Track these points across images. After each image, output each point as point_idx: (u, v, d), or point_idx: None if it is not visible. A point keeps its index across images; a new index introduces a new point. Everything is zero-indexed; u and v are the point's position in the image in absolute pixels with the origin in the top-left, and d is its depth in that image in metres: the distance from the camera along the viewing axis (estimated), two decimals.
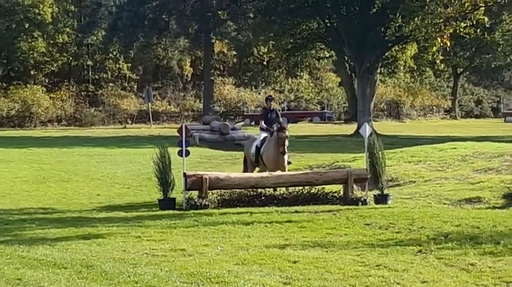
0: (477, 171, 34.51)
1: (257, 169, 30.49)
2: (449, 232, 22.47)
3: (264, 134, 29.63)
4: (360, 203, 28.89)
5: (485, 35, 67.02)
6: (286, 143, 24.88)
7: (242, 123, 66.60)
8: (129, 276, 17.84)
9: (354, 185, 29.15)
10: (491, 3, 40.44)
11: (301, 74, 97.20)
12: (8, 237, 23.26)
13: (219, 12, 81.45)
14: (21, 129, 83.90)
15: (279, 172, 34.23)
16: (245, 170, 30.11)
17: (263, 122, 30.17)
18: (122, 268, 18.59)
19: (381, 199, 28.56)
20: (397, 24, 43.81)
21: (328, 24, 74.99)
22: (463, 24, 39.35)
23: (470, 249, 20.30)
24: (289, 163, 28.76)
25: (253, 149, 29.56)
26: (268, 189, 30.82)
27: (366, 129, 30.70)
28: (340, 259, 19.29)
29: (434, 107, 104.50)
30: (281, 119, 28.06)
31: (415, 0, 36.10)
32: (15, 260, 19.77)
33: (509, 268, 18.12)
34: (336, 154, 40.63)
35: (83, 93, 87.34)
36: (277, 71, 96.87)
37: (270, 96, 29.88)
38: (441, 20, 36.21)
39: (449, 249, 20.31)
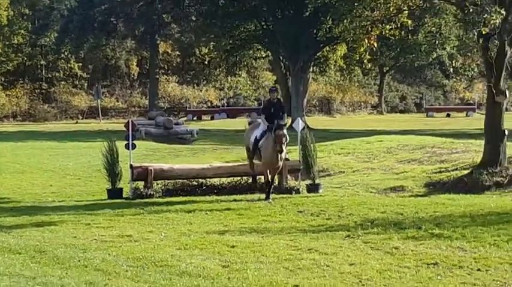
0: (401, 162, 34.72)
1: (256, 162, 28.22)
2: (375, 218, 22.63)
3: (262, 127, 27.64)
4: (294, 192, 29.00)
5: (409, 37, 67.27)
6: (284, 141, 23.26)
7: (185, 118, 66.47)
8: (79, 260, 17.86)
9: (288, 176, 29.21)
10: (414, 8, 40.56)
11: (240, 72, 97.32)
12: None
13: (164, 16, 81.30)
14: None
15: (219, 163, 34.95)
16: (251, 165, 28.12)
17: (264, 117, 27.74)
18: (73, 253, 18.61)
19: (313, 188, 28.67)
20: (328, 27, 43.68)
21: (265, 27, 75.08)
22: (388, 27, 39.42)
23: (394, 234, 20.53)
24: (287, 159, 26.68)
25: (252, 138, 27.77)
26: (209, 179, 30.84)
27: (299, 124, 30.75)
28: (275, 244, 19.41)
29: (362, 103, 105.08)
30: (285, 112, 26.16)
31: (344, 4, 36.10)
32: None
33: (430, 251, 18.30)
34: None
35: (36, 91, 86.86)
36: (218, 70, 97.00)
37: (274, 87, 26.79)
38: (368, 23, 36.32)
39: (375, 234, 20.52)
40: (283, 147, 22.72)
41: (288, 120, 24.58)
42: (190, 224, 22.65)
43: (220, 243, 19.70)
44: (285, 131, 22.46)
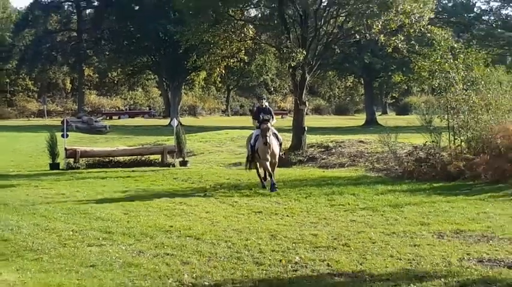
0: (240, 147, 34.60)
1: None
2: (223, 183, 22.72)
3: (256, 132, 23.40)
4: (171, 166, 28.64)
5: (245, 67, 67.55)
6: (268, 133, 19.73)
7: (101, 118, 65.76)
8: (29, 210, 17.69)
9: (167, 155, 28.99)
10: (249, 48, 40.77)
11: (137, 88, 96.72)
12: None
13: (88, 51, 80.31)
14: None
15: (123, 147, 33.83)
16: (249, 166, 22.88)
17: (256, 121, 23.41)
18: (26, 206, 18.41)
19: (183, 163, 28.48)
20: (194, 60, 43.32)
21: (153, 59, 74.56)
22: (232, 60, 39.38)
23: (234, 193, 20.61)
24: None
25: (248, 146, 23.48)
26: (116, 157, 30.24)
27: (175, 122, 30.73)
28: (158, 199, 19.37)
29: (216, 109, 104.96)
30: (273, 116, 21.60)
31: (204, 46, 35.76)
32: None
33: (257, 204, 18.43)
34: (157, 137, 40.35)
35: (3, 99, 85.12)
36: (123, 86, 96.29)
37: (261, 95, 24.09)
38: (219, 58, 36.23)
39: (222, 193, 20.64)
40: (268, 139, 19.36)
41: (275, 121, 21.08)
42: (104, 186, 22.53)
43: (123, 199, 19.68)
44: (269, 125, 19.65)
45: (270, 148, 20.80)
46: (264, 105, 21.00)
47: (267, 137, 18.97)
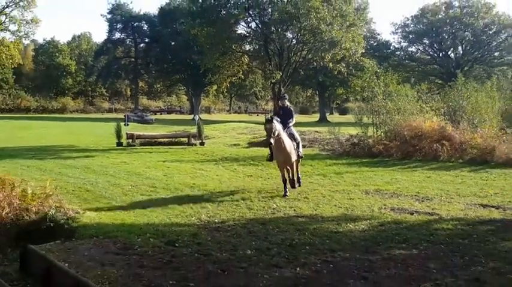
0: (239, 133, 34.50)
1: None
2: (227, 156, 22.49)
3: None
4: (194, 145, 27.47)
5: (242, 82, 67.17)
6: (273, 134, 13.40)
7: (149, 113, 65.12)
8: (103, 171, 17.60)
9: (192, 138, 28.69)
10: (244, 70, 40.70)
11: (172, 95, 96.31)
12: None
13: (141, 71, 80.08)
14: None
15: (163, 132, 33.00)
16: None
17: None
18: (101, 168, 18.36)
19: (201, 143, 27.88)
20: (209, 77, 43.60)
21: (183, 76, 73.69)
22: (233, 78, 39.50)
23: (234, 163, 20.33)
24: (300, 157, 15.20)
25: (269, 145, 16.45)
26: (159, 139, 29.90)
27: (196, 117, 30.67)
28: (185, 166, 19.26)
29: (223, 109, 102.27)
30: (293, 116, 15.28)
31: (215, 68, 35.74)
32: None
33: (249, 171, 18.36)
34: (185, 126, 40.02)
35: (87, 100, 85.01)
36: (163, 93, 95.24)
37: (283, 95, 17.55)
38: (225, 76, 36.33)
39: (226, 163, 20.37)
40: (272, 139, 13.26)
41: (294, 121, 15.06)
42: (150, 157, 22.33)
43: (163, 165, 19.57)
44: (273, 125, 13.26)
45: (281, 150, 13.92)
46: (285, 105, 15.18)
47: (271, 138, 13.44)
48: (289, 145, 14.02)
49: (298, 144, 14.76)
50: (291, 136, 14.50)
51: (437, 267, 7.58)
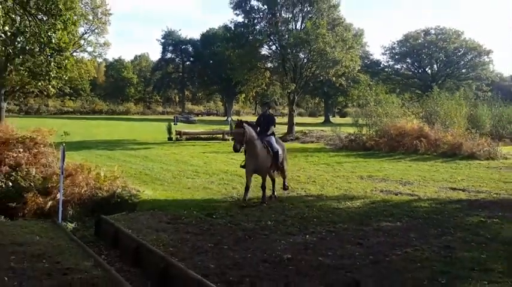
0: None
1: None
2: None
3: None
4: (227, 140, 26.78)
5: (265, 92, 66.73)
6: (242, 138, 9.91)
7: (193, 115, 64.86)
8: (158, 160, 17.66)
9: (226, 135, 28.39)
10: (267, 83, 40.49)
11: (210, 101, 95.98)
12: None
13: (187, 83, 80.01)
14: None
15: (204, 129, 32.37)
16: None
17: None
18: (156, 157, 18.38)
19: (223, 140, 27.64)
20: (239, 88, 43.49)
21: (219, 87, 73.08)
22: (258, 89, 39.61)
23: None
24: (280, 168, 11.06)
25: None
26: (200, 135, 29.33)
27: (229, 119, 30.62)
28: (220, 156, 19.03)
29: (249, 112, 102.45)
30: (273, 125, 10.90)
31: (244, 81, 35.81)
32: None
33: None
34: (219, 125, 39.82)
35: (145, 105, 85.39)
36: (204, 100, 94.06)
37: (265, 102, 13.87)
38: (251, 87, 36.22)
39: None
40: (238, 146, 9.79)
41: (272, 130, 10.68)
42: (194, 149, 22.36)
43: (203, 155, 19.57)
44: (242, 129, 9.80)
45: (252, 156, 10.07)
46: (267, 113, 10.93)
47: (237, 145, 9.76)
48: (262, 152, 10.00)
49: (276, 153, 10.34)
50: (269, 145, 10.26)
51: (416, 236, 7.51)
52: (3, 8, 13.50)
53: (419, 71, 68.27)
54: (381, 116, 23.81)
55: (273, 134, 10.66)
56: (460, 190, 11.71)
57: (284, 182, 11.29)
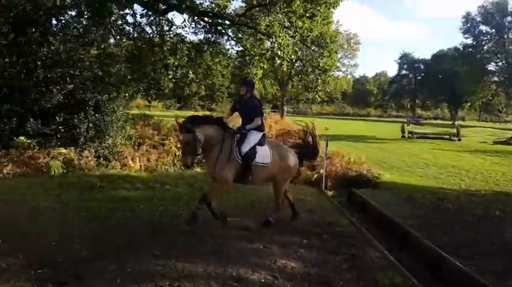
0: (487, 135, 29.11)
1: None
2: (478, 149, 18.94)
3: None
4: (453, 141, 23.29)
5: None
6: (186, 152, 4.33)
7: (422, 119, 57.03)
8: (396, 152, 16.59)
9: (452, 136, 24.69)
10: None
11: None
12: None
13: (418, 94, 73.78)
14: None
15: (431, 130, 26.96)
16: None
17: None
18: (393, 149, 17.16)
19: (459, 140, 23.90)
20: (466, 98, 38.16)
21: None
22: (484, 99, 33.76)
23: (484, 154, 17.06)
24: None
25: None
26: (430, 135, 26.65)
27: (456, 123, 26.90)
28: (447, 153, 16.74)
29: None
30: (256, 115, 4.89)
31: (475, 91, 31.23)
32: None
33: (500, 161, 15.40)
34: (446, 128, 35.31)
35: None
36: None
37: (244, 79, 4.95)
38: (478, 98, 31.35)
39: (478, 153, 17.11)
40: (188, 159, 4.35)
41: (254, 125, 4.86)
42: (423, 146, 19.96)
43: (432, 151, 17.35)
44: (190, 135, 4.31)
45: (207, 162, 4.96)
46: (247, 96, 5.02)
47: (187, 159, 4.58)
48: (221, 160, 4.91)
49: (245, 158, 5.01)
50: (227, 152, 4.96)
51: None
52: (293, 44, 15.04)
53: None
54: None
55: (259, 129, 5.22)
56: None
57: (272, 212, 5.70)
